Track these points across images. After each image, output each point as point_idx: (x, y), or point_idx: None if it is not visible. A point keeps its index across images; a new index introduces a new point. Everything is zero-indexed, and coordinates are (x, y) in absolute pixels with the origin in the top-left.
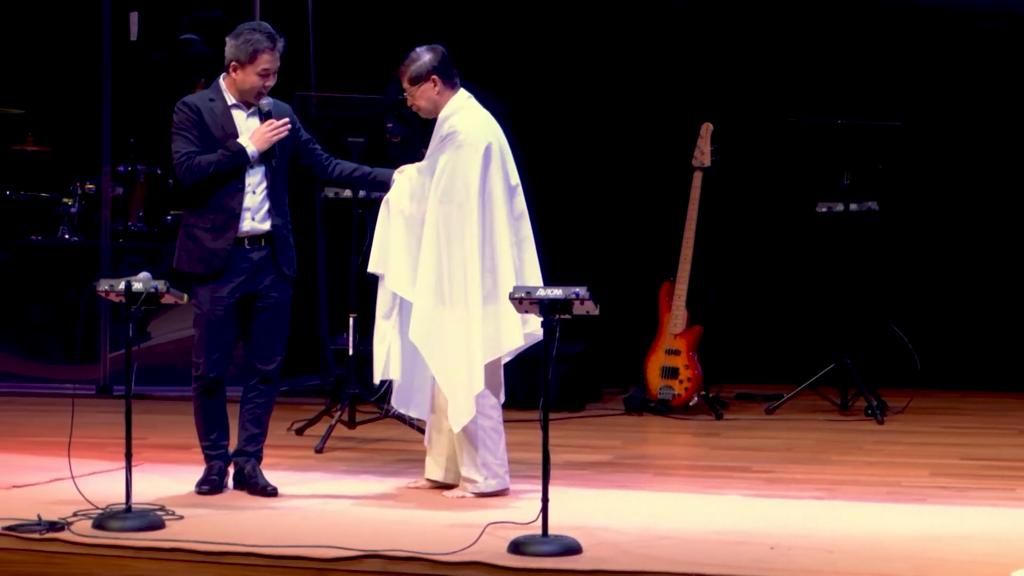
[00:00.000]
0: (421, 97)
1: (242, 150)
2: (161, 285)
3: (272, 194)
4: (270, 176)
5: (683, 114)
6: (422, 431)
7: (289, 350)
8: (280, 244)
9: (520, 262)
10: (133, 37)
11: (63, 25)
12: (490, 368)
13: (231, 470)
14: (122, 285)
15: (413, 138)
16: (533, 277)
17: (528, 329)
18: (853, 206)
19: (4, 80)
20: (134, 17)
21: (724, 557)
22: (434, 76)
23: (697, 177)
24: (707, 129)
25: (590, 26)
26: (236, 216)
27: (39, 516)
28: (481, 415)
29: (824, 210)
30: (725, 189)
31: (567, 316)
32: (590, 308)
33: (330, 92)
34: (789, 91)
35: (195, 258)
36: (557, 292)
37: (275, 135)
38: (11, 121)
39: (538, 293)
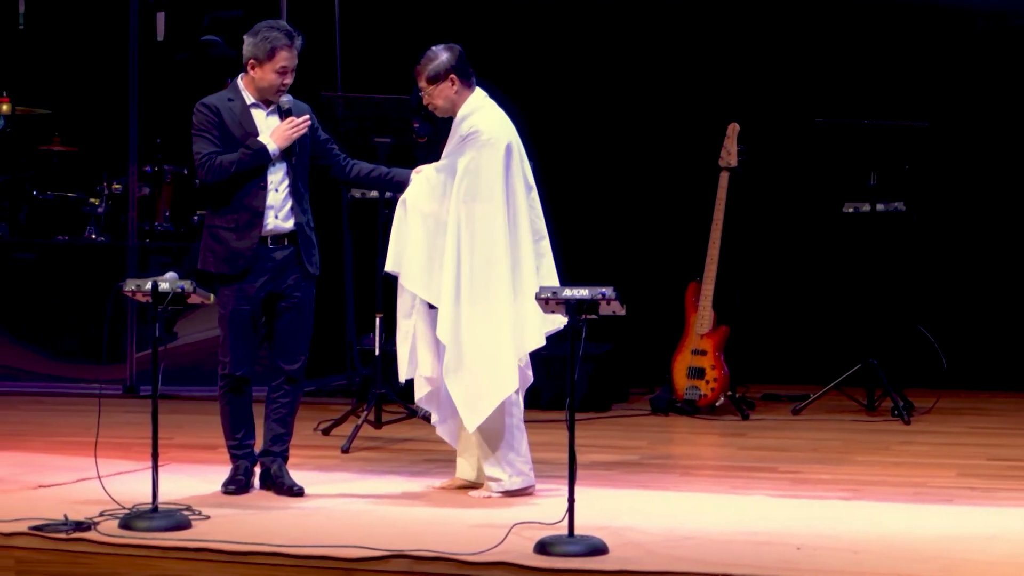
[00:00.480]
0: (439, 96)
1: (263, 148)
2: (188, 285)
3: (294, 192)
4: (292, 174)
5: (710, 114)
6: None
7: (316, 350)
8: (304, 243)
9: (538, 260)
10: (160, 37)
11: (90, 25)
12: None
13: (257, 470)
14: (149, 285)
15: (439, 138)
16: (550, 277)
17: (547, 328)
18: (880, 206)
19: (31, 80)
20: (161, 17)
21: (750, 557)
22: (452, 75)
23: (724, 177)
24: (733, 129)
25: (616, 25)
26: (260, 215)
27: (65, 516)
28: (503, 413)
29: (851, 210)
30: (751, 189)
31: (593, 316)
32: (616, 308)
33: (356, 92)
34: (816, 91)
35: (220, 258)
36: (584, 292)
37: (295, 132)
38: (38, 121)
39: (564, 293)
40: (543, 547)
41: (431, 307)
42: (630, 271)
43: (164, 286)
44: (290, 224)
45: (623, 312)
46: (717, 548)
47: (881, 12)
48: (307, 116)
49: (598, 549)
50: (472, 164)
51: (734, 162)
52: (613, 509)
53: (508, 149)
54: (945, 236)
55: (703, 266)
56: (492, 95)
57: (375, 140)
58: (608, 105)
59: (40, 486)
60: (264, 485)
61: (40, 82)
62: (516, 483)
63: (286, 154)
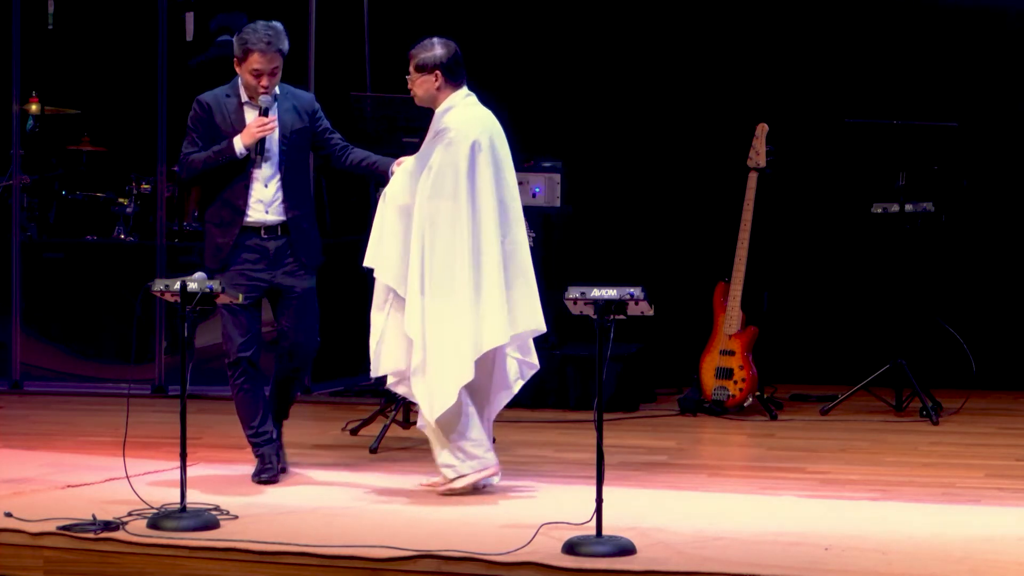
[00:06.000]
0: (420, 86)
1: (229, 147)
2: (216, 285)
3: (287, 186)
4: (283, 169)
5: (738, 115)
6: None
7: (344, 350)
8: (298, 235)
9: (511, 260)
10: (189, 38)
11: (119, 26)
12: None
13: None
14: (177, 285)
15: None
16: (522, 277)
17: (518, 329)
18: (908, 207)
19: (60, 81)
20: (190, 18)
21: (779, 558)
22: (438, 71)
23: (752, 178)
24: (762, 130)
25: (645, 25)
26: (240, 212)
27: (94, 516)
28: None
29: (879, 211)
30: (780, 190)
31: (622, 317)
32: (645, 309)
33: (385, 92)
34: (845, 91)
35: (210, 253)
36: (612, 292)
37: (261, 132)
38: (67, 121)
39: (593, 293)
40: (571, 547)
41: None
42: (658, 271)
43: (192, 286)
44: (281, 218)
45: (651, 312)
46: (746, 548)
47: (910, 12)
48: (273, 117)
49: (626, 549)
50: (437, 161)
51: (763, 162)
52: (641, 509)
53: (474, 147)
54: (974, 237)
55: (731, 266)
56: (522, 94)
57: (403, 140)
58: (637, 105)
59: (68, 486)
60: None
61: (69, 82)
62: (469, 467)
63: (256, 151)
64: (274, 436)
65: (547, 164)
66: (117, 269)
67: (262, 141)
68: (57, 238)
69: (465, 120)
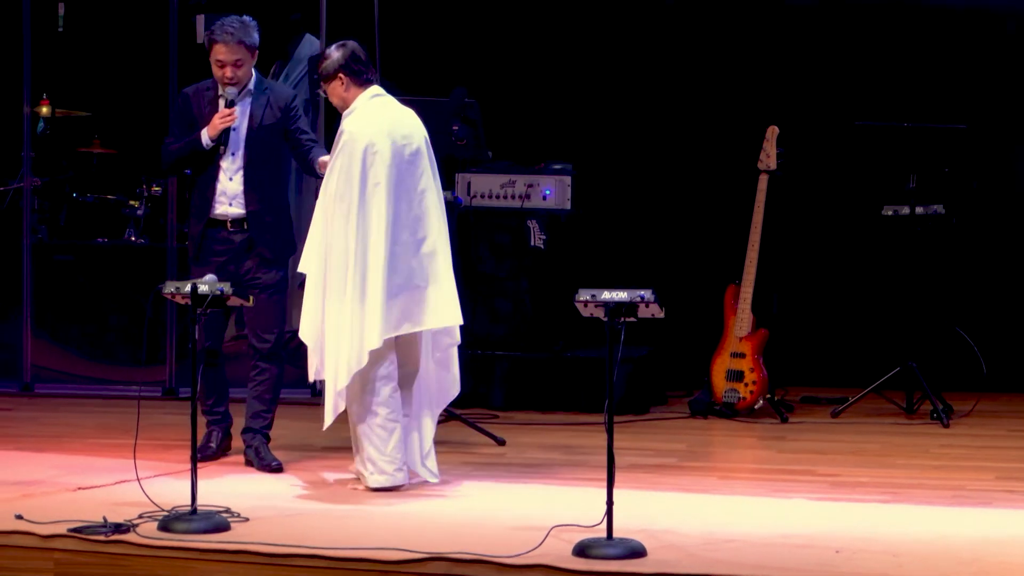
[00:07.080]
0: (332, 94)
1: (196, 137)
2: (226, 287)
3: (251, 180)
4: (248, 162)
5: (749, 117)
6: (489, 435)
7: None
8: (258, 228)
9: (421, 260)
10: (199, 40)
11: (129, 28)
12: (381, 364)
13: (244, 440)
14: (188, 287)
15: (478, 140)
16: (443, 274)
17: (392, 332)
18: (919, 209)
19: (71, 83)
20: (200, 20)
21: (789, 561)
22: (341, 74)
23: (763, 180)
24: (773, 132)
25: (657, 29)
26: (209, 203)
27: (104, 518)
28: (368, 412)
29: (890, 213)
30: (790, 192)
31: (632, 319)
32: (655, 311)
33: (395, 94)
34: (855, 94)
35: (189, 242)
36: (622, 295)
37: (222, 123)
38: (78, 123)
39: (603, 296)
40: (582, 550)
41: None
42: (669, 273)
43: (203, 288)
44: (242, 211)
45: (662, 315)
46: (756, 551)
47: (919, 14)
48: (235, 109)
49: (637, 552)
50: (336, 165)
51: (773, 165)
52: (652, 512)
53: (365, 150)
54: (984, 239)
55: (742, 269)
56: (533, 97)
57: None
58: (648, 108)
59: (79, 488)
60: (247, 462)
61: (79, 84)
62: (377, 481)
63: (221, 142)
64: (227, 418)
65: (557, 167)
66: (128, 271)
67: (226, 132)
68: (68, 240)
69: (362, 123)
